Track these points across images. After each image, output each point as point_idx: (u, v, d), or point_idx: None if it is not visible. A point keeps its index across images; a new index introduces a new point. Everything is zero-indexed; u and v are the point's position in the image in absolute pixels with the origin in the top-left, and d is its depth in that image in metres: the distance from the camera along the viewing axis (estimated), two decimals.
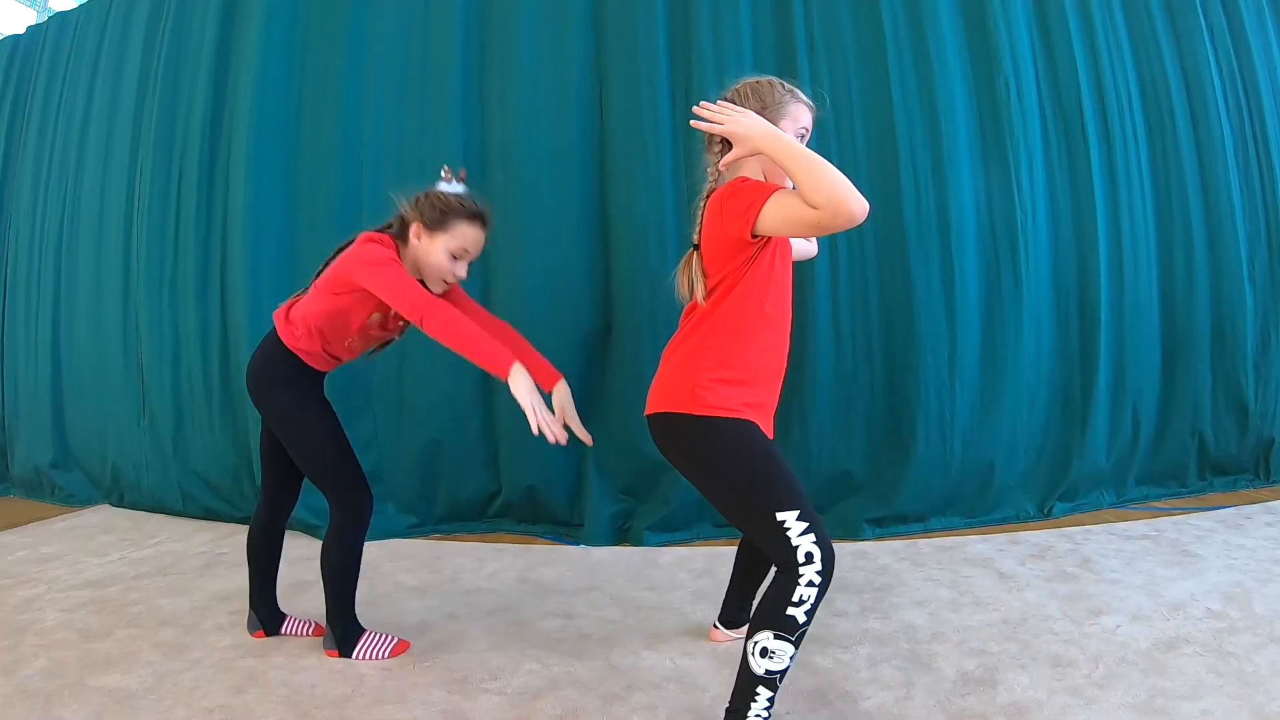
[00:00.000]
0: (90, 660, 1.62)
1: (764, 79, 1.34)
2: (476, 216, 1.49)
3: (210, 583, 2.12)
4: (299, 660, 1.61)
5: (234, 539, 2.55)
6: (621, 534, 2.40)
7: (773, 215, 1.15)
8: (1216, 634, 1.55)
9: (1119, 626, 1.62)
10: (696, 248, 1.28)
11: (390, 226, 1.55)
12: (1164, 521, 2.33)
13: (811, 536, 1.16)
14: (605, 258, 2.44)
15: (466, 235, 1.48)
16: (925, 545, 2.22)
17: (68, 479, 3.12)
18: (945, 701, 1.36)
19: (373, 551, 2.39)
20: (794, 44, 2.40)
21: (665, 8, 2.43)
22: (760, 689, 1.16)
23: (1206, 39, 2.55)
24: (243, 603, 1.94)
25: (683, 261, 1.32)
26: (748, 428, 1.26)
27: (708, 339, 1.27)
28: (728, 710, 1.20)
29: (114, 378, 2.93)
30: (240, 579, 2.13)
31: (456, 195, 1.47)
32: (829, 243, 2.28)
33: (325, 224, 2.56)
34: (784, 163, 1.14)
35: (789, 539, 1.16)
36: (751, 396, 1.28)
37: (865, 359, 2.37)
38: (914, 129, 2.34)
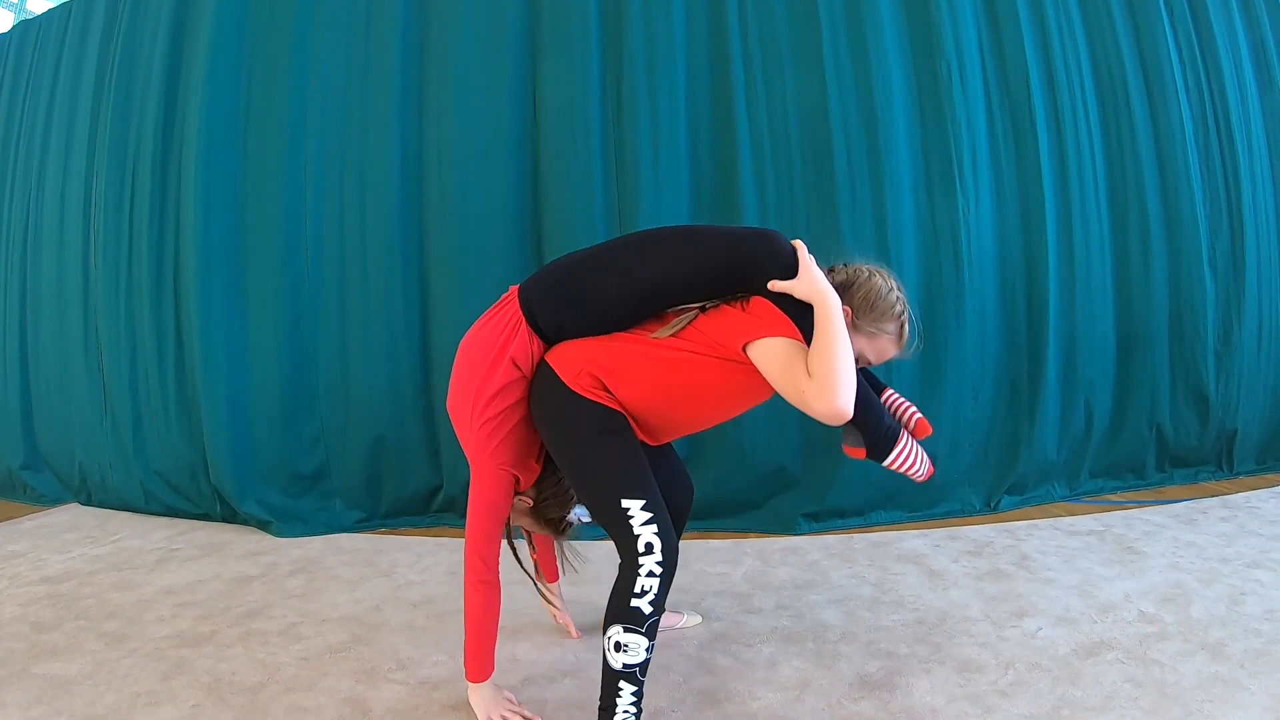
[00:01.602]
0: (38, 650, 1.67)
1: (897, 295, 1.32)
2: None
3: (160, 577, 2.17)
4: (225, 650, 1.65)
5: (190, 535, 2.61)
6: None
7: (774, 352, 1.15)
8: (1144, 639, 1.49)
9: (1040, 629, 1.56)
10: (710, 306, 1.26)
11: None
12: (1114, 516, 2.26)
13: (654, 527, 1.16)
14: (538, 255, 2.44)
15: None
16: (859, 540, 2.19)
17: (38, 480, 3.19)
18: (835, 705, 1.33)
19: (316, 546, 2.45)
20: (726, 26, 2.34)
21: (598, 6, 2.40)
22: (622, 683, 1.17)
23: (1165, 17, 2.44)
24: (187, 595, 2.00)
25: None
26: (616, 415, 1.26)
27: (632, 361, 1.26)
28: (599, 708, 1.21)
29: (78, 379, 2.99)
30: (188, 573, 2.19)
31: None
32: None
33: (273, 228, 2.59)
34: (819, 319, 1.14)
35: (631, 527, 1.17)
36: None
37: None
38: (849, 114, 2.27)
